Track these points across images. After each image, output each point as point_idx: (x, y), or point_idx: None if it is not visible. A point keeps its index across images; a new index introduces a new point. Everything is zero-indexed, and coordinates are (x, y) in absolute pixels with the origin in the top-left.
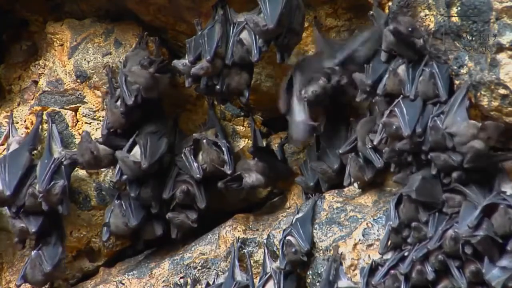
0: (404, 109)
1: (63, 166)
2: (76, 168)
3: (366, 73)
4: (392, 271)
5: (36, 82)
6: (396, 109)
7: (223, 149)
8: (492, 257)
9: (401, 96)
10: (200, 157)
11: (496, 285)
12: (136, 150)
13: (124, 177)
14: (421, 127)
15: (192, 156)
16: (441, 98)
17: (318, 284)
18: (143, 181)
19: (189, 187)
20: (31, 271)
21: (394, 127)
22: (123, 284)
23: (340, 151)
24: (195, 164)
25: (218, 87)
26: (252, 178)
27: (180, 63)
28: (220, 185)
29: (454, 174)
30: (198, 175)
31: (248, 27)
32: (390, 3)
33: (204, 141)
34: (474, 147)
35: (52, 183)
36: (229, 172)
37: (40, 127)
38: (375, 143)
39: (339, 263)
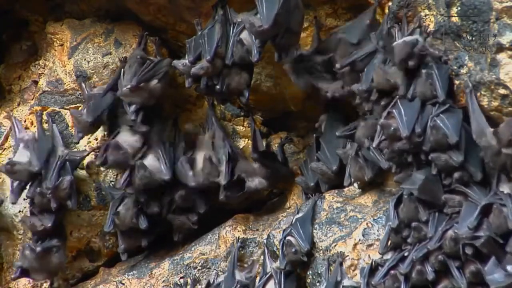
0: (402, 110)
1: (68, 163)
2: (77, 168)
3: (361, 81)
4: (392, 271)
5: (36, 82)
6: (394, 110)
7: (224, 157)
8: (499, 258)
9: (398, 96)
10: (197, 168)
11: None
12: (152, 162)
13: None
14: (421, 127)
15: (188, 164)
16: (439, 99)
17: (318, 284)
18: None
19: (187, 192)
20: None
21: (392, 128)
22: (123, 284)
23: (337, 134)
24: (190, 173)
25: (218, 87)
26: (255, 182)
27: (180, 63)
28: (222, 198)
29: (456, 175)
30: (193, 183)
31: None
32: (390, 3)
33: (201, 156)
34: (509, 154)
35: (60, 179)
36: (223, 183)
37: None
38: (374, 145)
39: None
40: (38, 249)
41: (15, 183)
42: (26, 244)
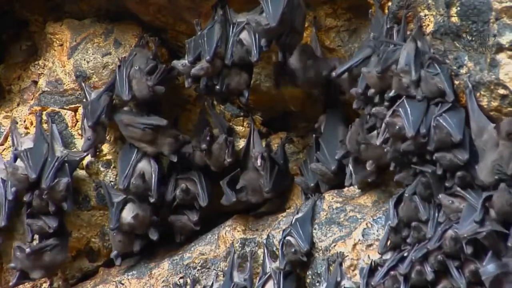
0: (409, 109)
1: (66, 164)
2: (76, 168)
3: (359, 84)
4: (392, 272)
5: (35, 82)
6: (400, 109)
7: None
8: (498, 253)
9: (405, 96)
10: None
11: (485, 280)
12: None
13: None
14: (425, 127)
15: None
16: (449, 98)
17: (317, 284)
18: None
19: (189, 185)
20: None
21: (397, 127)
22: (123, 284)
23: (336, 157)
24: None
25: (217, 87)
26: (257, 198)
27: (179, 64)
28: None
29: (459, 173)
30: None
31: (248, 27)
32: (390, 3)
33: None
34: (501, 151)
35: (56, 180)
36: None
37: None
38: (378, 143)
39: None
40: (28, 250)
41: (13, 188)
42: (15, 245)
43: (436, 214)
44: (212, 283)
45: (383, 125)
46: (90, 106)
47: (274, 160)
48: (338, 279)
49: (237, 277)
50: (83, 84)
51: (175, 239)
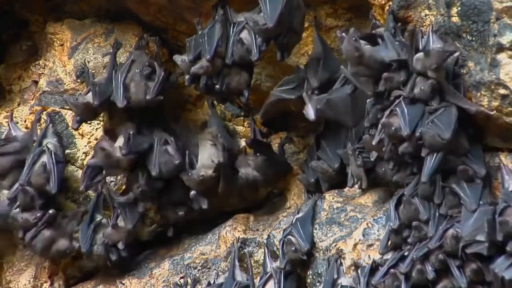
0: (405, 109)
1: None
2: (76, 168)
3: None
4: (392, 270)
5: (36, 82)
6: (397, 108)
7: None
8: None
9: (402, 96)
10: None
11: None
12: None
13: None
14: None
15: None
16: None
17: (318, 284)
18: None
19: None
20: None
21: (393, 128)
22: (123, 284)
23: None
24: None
25: (218, 86)
26: (248, 171)
27: (179, 59)
28: (220, 190)
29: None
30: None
31: (248, 26)
32: (390, 3)
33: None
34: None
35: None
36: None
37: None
38: (373, 143)
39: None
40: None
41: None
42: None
43: (437, 213)
44: (214, 282)
45: (379, 126)
46: (98, 87)
47: (270, 147)
48: (335, 276)
49: (240, 276)
50: (88, 72)
51: (174, 238)
